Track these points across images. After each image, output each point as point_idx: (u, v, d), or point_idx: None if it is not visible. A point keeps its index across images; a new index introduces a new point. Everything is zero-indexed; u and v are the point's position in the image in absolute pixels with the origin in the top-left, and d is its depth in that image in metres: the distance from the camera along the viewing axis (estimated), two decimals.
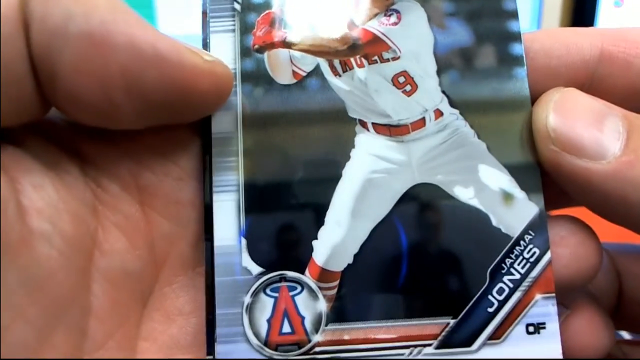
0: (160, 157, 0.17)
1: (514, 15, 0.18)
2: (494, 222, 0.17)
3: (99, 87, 0.15)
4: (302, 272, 0.17)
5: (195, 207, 0.18)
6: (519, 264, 0.17)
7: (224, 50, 0.18)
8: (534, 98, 0.18)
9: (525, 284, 0.17)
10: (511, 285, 0.17)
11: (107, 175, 0.17)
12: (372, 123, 0.18)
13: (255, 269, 0.17)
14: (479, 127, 0.18)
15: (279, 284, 0.17)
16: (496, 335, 0.17)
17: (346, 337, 0.17)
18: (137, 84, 0.15)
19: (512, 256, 0.17)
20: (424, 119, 0.18)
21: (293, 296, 0.17)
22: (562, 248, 0.17)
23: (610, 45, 0.18)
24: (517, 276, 0.17)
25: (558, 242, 0.17)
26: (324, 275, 0.17)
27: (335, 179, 0.17)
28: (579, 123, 0.17)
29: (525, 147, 0.17)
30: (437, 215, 0.17)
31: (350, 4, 0.18)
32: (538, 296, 0.17)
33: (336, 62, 0.18)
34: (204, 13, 0.18)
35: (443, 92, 0.18)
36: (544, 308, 0.17)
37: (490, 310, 0.17)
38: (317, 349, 0.17)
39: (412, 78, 0.18)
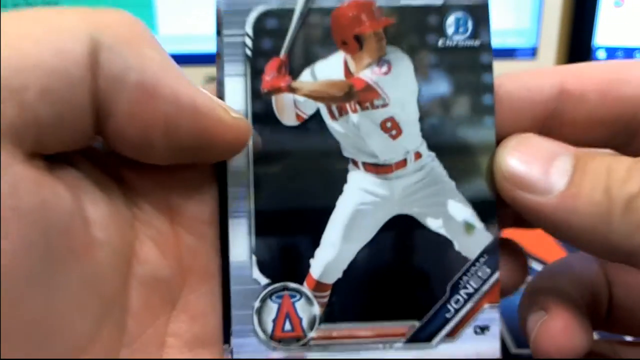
0: (187, 184, 0.19)
1: (489, 68, 0.20)
2: (457, 247, 0.20)
3: (143, 129, 0.17)
4: (301, 284, 0.20)
5: (215, 226, 0.20)
6: (473, 281, 0.20)
7: (237, 93, 0.20)
8: (500, 138, 0.20)
9: (477, 296, 0.20)
10: (466, 297, 0.20)
11: (143, 197, 0.19)
12: (363, 162, 0.20)
13: (263, 280, 0.20)
14: (450, 168, 0.20)
15: (282, 293, 0.20)
16: (451, 335, 0.21)
17: (334, 334, 0.20)
18: (175, 130, 0.17)
19: (469, 274, 0.20)
20: (405, 160, 0.20)
21: (293, 302, 0.20)
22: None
23: (568, 82, 0.19)
24: (471, 290, 0.20)
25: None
26: (318, 286, 0.20)
27: (330, 208, 0.20)
28: (530, 164, 0.18)
29: (487, 184, 0.20)
30: (411, 240, 0.20)
31: (346, 53, 0.20)
32: (486, 305, 0.21)
33: (334, 107, 0.20)
34: (219, 55, 0.20)
35: (423, 136, 0.20)
36: (490, 314, 0.20)
37: (448, 315, 0.20)
38: (312, 342, 0.20)
39: (398, 123, 0.20)
